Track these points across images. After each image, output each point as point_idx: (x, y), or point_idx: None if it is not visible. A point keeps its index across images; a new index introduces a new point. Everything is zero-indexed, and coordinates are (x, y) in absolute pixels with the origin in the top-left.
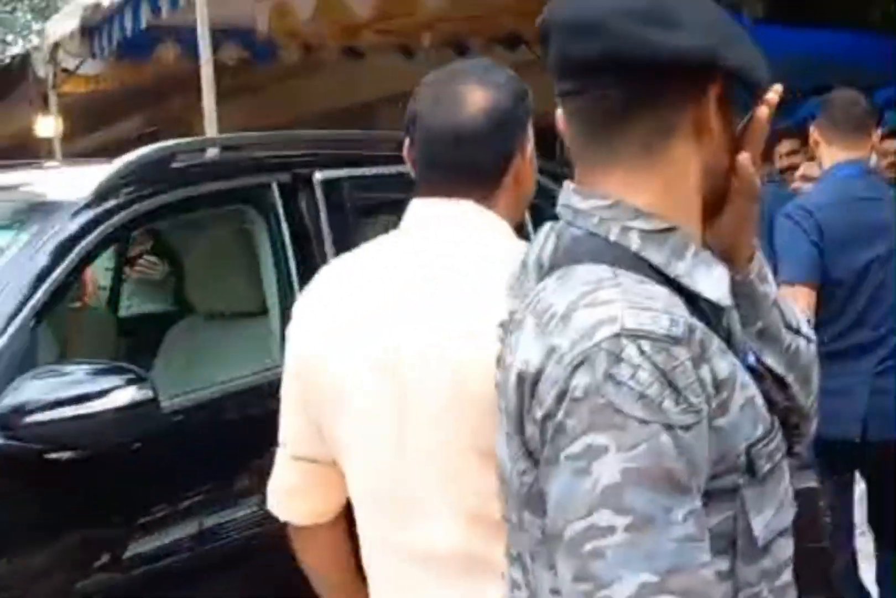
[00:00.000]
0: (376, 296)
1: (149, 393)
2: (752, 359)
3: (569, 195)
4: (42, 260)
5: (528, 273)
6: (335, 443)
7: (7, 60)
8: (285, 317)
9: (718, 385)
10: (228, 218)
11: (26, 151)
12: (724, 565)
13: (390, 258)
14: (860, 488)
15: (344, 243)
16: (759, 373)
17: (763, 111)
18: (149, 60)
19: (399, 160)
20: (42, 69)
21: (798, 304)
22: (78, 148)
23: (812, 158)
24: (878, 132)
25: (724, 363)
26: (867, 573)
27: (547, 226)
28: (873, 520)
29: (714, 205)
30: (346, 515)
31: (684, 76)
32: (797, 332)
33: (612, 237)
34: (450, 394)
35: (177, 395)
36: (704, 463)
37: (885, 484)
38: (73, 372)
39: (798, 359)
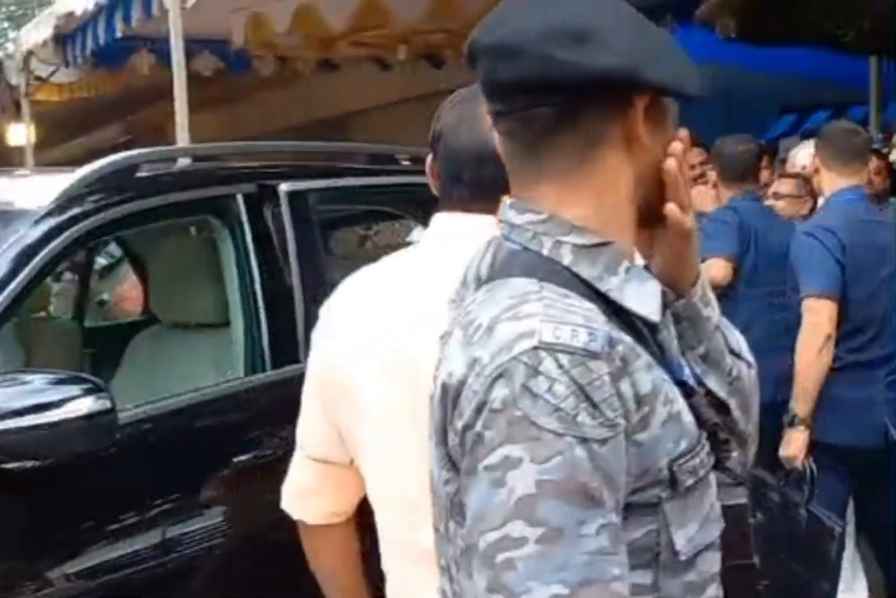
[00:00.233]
0: (397, 307)
1: (106, 403)
2: (687, 374)
3: (505, 210)
4: (2, 268)
5: (468, 286)
6: (355, 447)
7: None
8: (248, 328)
9: (640, 400)
10: (193, 228)
11: None
12: (647, 578)
13: (412, 270)
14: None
15: (309, 255)
16: (691, 389)
17: (671, 164)
18: (123, 69)
19: (366, 173)
20: (15, 77)
21: (822, 316)
22: (51, 157)
23: (784, 176)
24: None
25: (647, 378)
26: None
27: (488, 240)
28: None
29: (650, 214)
30: (358, 518)
31: (609, 92)
32: (738, 356)
33: (545, 252)
34: None
35: (136, 405)
36: (622, 477)
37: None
38: (32, 381)
39: (740, 384)
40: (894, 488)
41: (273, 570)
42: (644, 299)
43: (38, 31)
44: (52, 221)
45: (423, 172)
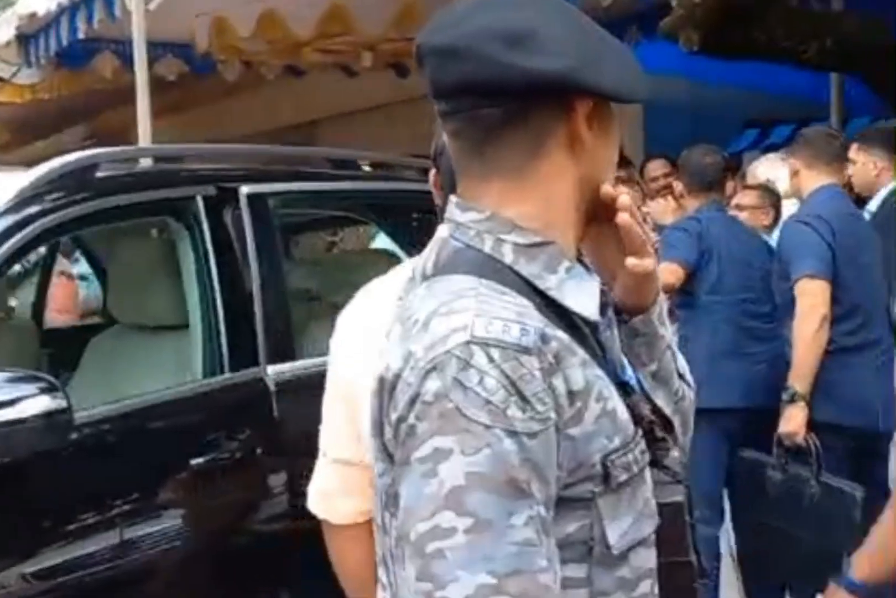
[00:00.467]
0: None
1: (62, 402)
2: (629, 375)
3: (451, 209)
4: None
5: (414, 283)
6: None
7: None
8: (207, 331)
9: (572, 396)
10: (152, 229)
11: None
12: (581, 571)
13: None
14: None
15: (268, 258)
16: (631, 388)
17: (623, 218)
18: (86, 71)
19: (327, 177)
20: None
21: (817, 296)
22: (14, 159)
23: (746, 187)
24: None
25: (580, 375)
26: None
27: (435, 238)
28: None
29: (596, 214)
30: None
31: (550, 95)
32: (682, 377)
33: (487, 250)
34: None
35: (93, 406)
36: (552, 471)
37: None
38: None
39: (683, 404)
40: (884, 467)
41: (229, 571)
42: (582, 297)
43: (0, 32)
44: (9, 220)
45: (385, 178)
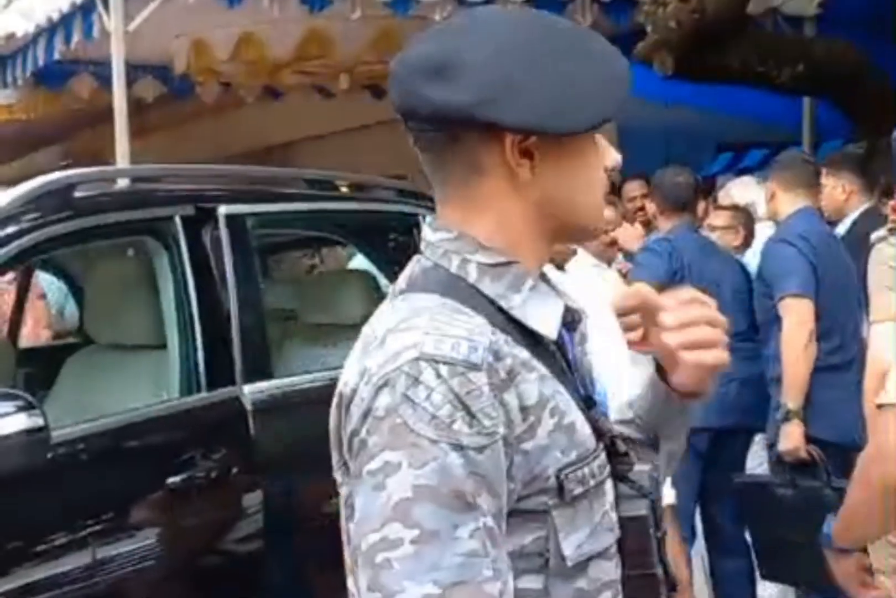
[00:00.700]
0: None
1: (39, 421)
2: (598, 391)
3: (425, 228)
4: None
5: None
6: None
7: None
8: (184, 350)
9: (525, 410)
10: (130, 249)
11: None
12: (538, 583)
13: None
14: None
15: (246, 278)
16: (593, 401)
17: (675, 341)
18: (63, 92)
19: (305, 198)
20: None
21: (803, 313)
22: None
23: (719, 208)
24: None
25: (534, 390)
26: None
27: (414, 257)
28: None
29: (567, 234)
30: None
31: (473, 125)
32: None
33: (453, 269)
34: None
35: (68, 424)
36: (503, 483)
37: None
38: None
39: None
40: None
41: (205, 590)
42: (543, 316)
43: None
44: None
45: (362, 199)
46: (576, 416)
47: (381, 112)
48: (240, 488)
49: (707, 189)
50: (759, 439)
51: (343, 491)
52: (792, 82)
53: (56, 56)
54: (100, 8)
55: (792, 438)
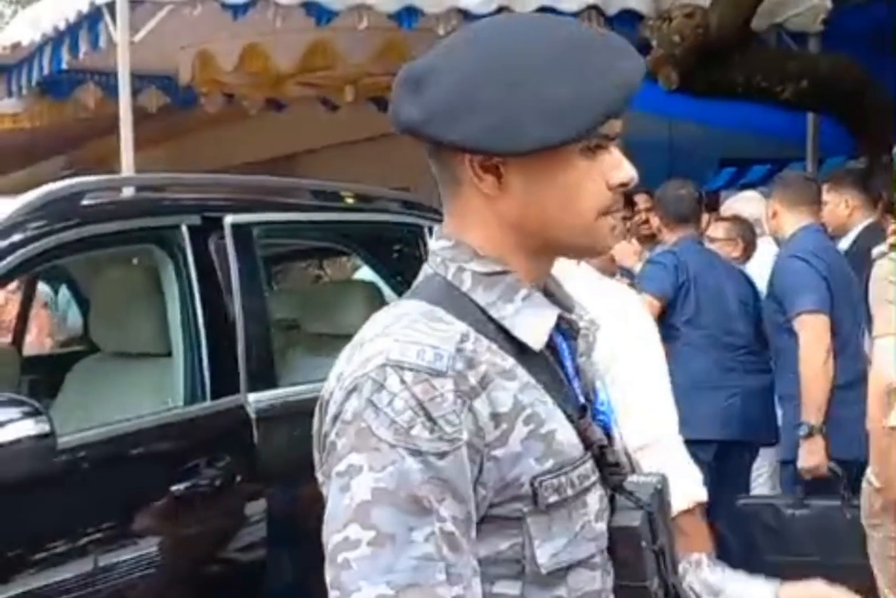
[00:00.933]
0: None
1: (45, 427)
2: (601, 401)
3: (433, 236)
4: None
5: None
6: None
7: None
8: (189, 359)
9: (497, 418)
10: (136, 257)
11: None
12: (515, 589)
13: None
14: None
15: (251, 288)
16: (584, 410)
17: None
18: (67, 101)
19: (311, 208)
20: None
21: (819, 329)
22: None
23: (719, 220)
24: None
25: (509, 398)
26: None
27: (424, 265)
28: None
29: (563, 251)
30: None
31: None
32: None
33: (449, 277)
34: None
35: (74, 431)
36: (468, 489)
37: None
38: None
39: None
40: None
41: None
42: (532, 327)
43: None
44: None
45: (367, 210)
46: (559, 425)
47: (385, 125)
48: (243, 496)
49: (711, 204)
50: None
51: (323, 491)
52: (796, 98)
53: (62, 66)
54: (106, 18)
55: (815, 455)
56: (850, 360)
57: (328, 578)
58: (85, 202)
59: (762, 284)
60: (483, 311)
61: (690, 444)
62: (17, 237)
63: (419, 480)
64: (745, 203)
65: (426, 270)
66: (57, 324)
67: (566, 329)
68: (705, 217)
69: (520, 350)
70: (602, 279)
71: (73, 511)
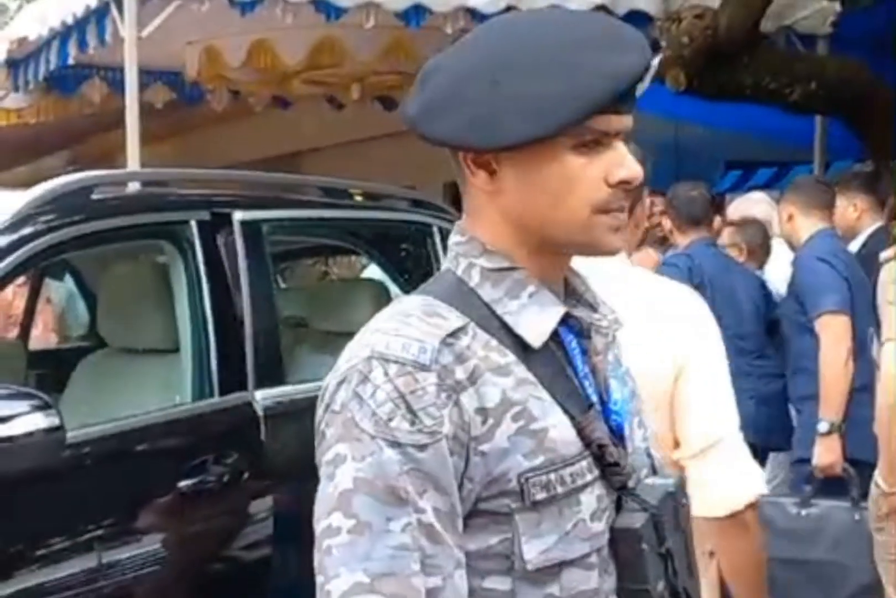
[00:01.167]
0: None
1: (55, 421)
2: (614, 400)
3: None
4: None
5: None
6: None
7: None
8: (197, 355)
9: (484, 413)
10: (145, 253)
11: None
12: (506, 584)
13: None
14: None
15: (260, 284)
16: (590, 406)
17: None
18: (73, 97)
19: (320, 205)
20: None
21: (840, 330)
22: None
23: (729, 224)
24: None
25: (497, 393)
26: None
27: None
28: None
29: (564, 248)
30: None
31: None
32: None
33: (459, 272)
34: None
35: (82, 426)
36: (451, 481)
37: None
38: None
39: None
40: None
41: (214, 595)
42: (534, 324)
43: None
44: (4, 240)
45: (376, 208)
46: (555, 422)
47: (391, 123)
48: (250, 492)
49: (717, 206)
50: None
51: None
52: (804, 100)
53: (69, 60)
54: (114, 13)
55: (832, 453)
56: (868, 361)
57: (315, 563)
58: (94, 197)
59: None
60: (488, 306)
61: None
62: (25, 231)
63: (396, 471)
64: (751, 205)
65: (443, 265)
66: (63, 319)
67: (577, 327)
68: (717, 219)
69: (523, 347)
70: (661, 281)
71: (82, 506)
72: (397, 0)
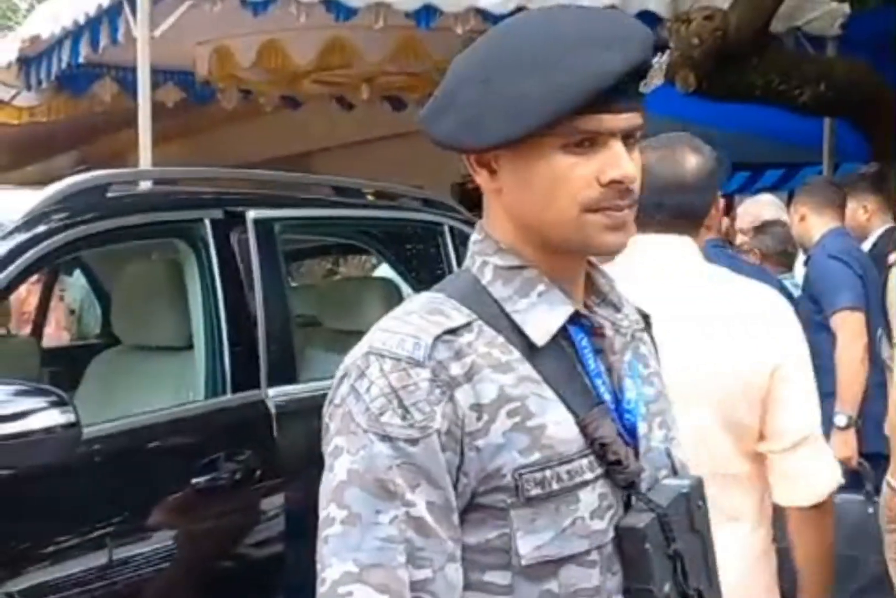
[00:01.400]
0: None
1: (71, 417)
2: (627, 400)
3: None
4: None
5: None
6: None
7: None
8: (211, 352)
9: (479, 408)
10: (159, 251)
11: None
12: (505, 579)
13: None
14: None
15: (273, 282)
16: (598, 403)
17: None
18: (85, 96)
19: (332, 204)
20: None
21: (857, 327)
22: (8, 180)
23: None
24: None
25: (493, 389)
26: None
27: None
28: None
29: (565, 248)
30: None
31: None
32: None
33: (474, 270)
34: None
35: (97, 422)
36: (444, 476)
37: None
38: None
39: None
40: None
41: (226, 591)
42: (540, 323)
43: (1, 54)
44: (20, 237)
45: (388, 208)
46: (554, 419)
47: (400, 124)
48: (263, 490)
49: (725, 207)
50: None
51: None
52: (813, 102)
53: (80, 59)
54: (126, 12)
55: (847, 447)
56: (880, 358)
57: (317, 551)
58: (109, 195)
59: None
60: (498, 304)
61: None
62: (40, 229)
63: (387, 464)
64: (760, 207)
65: (465, 262)
66: (77, 317)
67: (589, 325)
68: (725, 220)
69: (530, 344)
70: (748, 280)
71: (97, 502)
72: (408, 0)
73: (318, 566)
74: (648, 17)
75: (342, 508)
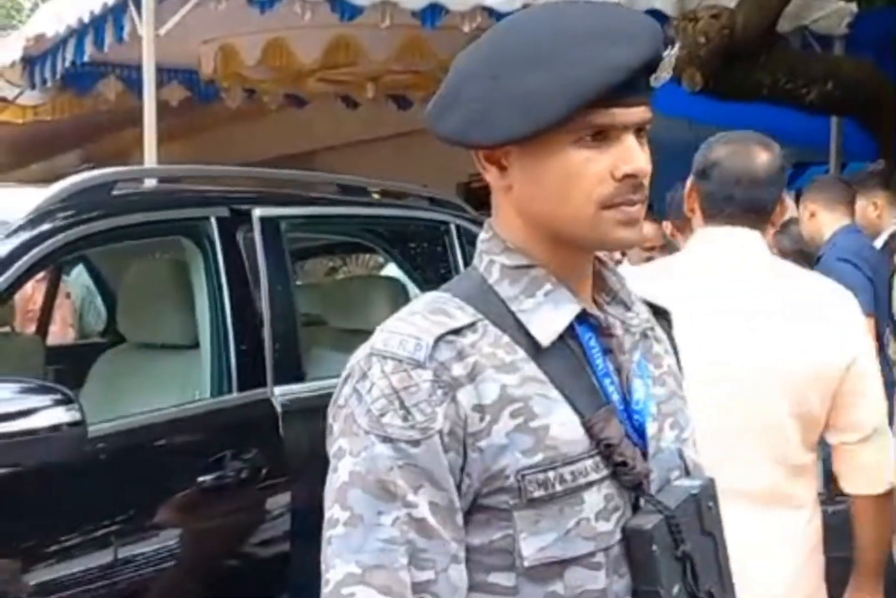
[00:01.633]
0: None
1: (77, 415)
2: (636, 400)
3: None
4: None
5: None
6: None
7: None
8: (217, 351)
9: (481, 409)
10: (165, 249)
11: None
12: (510, 580)
13: (684, 271)
14: None
15: (279, 280)
16: (605, 404)
17: None
18: (89, 95)
19: (338, 203)
20: None
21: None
22: (12, 178)
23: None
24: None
25: (495, 390)
26: None
27: None
28: None
29: (575, 244)
30: None
31: None
32: None
33: (481, 269)
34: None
35: (102, 421)
36: (446, 477)
37: None
38: (1, 390)
39: None
40: None
41: (232, 590)
42: (546, 322)
43: (6, 53)
44: (25, 235)
45: (394, 206)
46: (558, 420)
47: (405, 123)
48: (269, 488)
49: None
50: None
51: None
52: (820, 101)
53: (85, 58)
54: (132, 11)
55: None
56: (886, 361)
57: (321, 552)
58: (114, 193)
59: None
60: (505, 304)
61: None
62: (45, 227)
63: (387, 466)
64: None
65: (474, 261)
66: (82, 315)
67: (596, 325)
68: None
69: (536, 344)
70: (819, 277)
71: (102, 500)
72: None
73: (322, 567)
74: (655, 16)
75: (345, 509)
